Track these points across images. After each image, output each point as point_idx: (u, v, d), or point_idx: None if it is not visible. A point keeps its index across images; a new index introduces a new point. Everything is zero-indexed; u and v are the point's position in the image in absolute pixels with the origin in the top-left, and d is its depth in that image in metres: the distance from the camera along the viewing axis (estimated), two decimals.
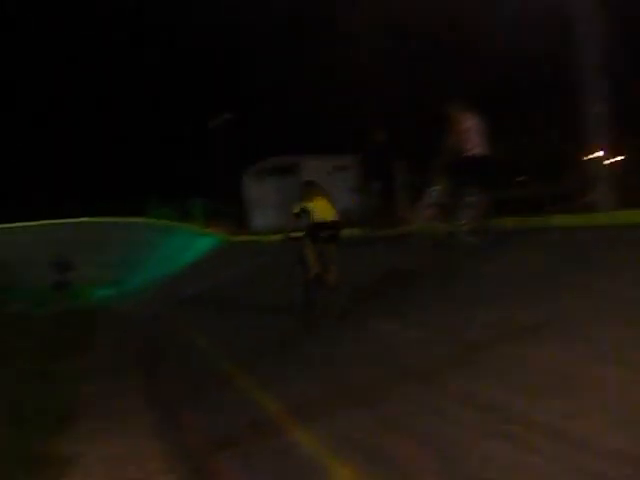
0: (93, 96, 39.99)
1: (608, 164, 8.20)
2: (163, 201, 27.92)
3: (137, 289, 19.51)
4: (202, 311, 10.31)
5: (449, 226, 7.86)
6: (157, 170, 31.08)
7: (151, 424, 4.33)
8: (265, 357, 5.77)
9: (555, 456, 2.43)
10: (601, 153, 8.08)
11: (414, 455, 2.78)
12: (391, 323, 5.56)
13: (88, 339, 9.21)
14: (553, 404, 2.87)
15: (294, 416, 3.72)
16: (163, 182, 29.32)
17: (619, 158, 9.39)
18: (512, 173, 12.15)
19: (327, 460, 2.96)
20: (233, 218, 23.92)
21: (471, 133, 7.30)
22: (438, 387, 3.61)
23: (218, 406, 4.44)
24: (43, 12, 38.04)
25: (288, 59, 22.75)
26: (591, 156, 8.33)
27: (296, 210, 6.59)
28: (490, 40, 12.95)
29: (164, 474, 3.29)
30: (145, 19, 34.61)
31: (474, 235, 7.31)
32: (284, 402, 4.05)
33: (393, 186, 10.58)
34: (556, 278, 5.24)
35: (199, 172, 27.78)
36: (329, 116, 19.43)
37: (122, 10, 34.98)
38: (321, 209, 6.48)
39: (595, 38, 7.79)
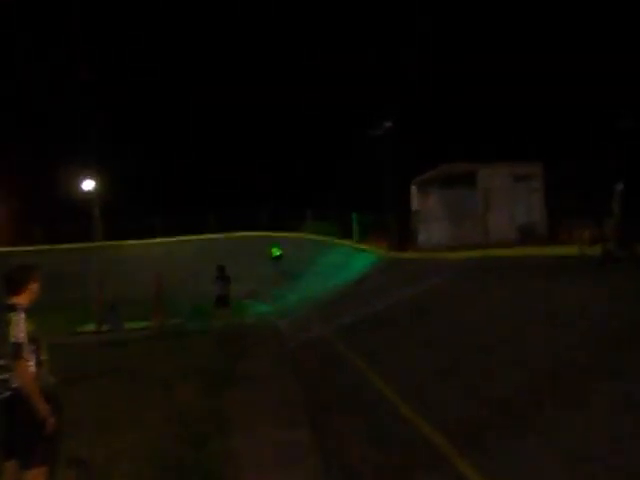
0: (249, 110, 41.52)
1: None
2: (320, 215, 27.52)
3: (293, 307, 18.81)
4: (369, 343, 8.87)
5: None
6: (315, 183, 30.94)
7: None
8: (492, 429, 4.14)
9: None
10: None
11: None
12: None
13: (254, 366, 8.26)
14: None
15: None
16: (321, 196, 29.02)
17: None
18: None
19: None
20: (396, 233, 22.40)
21: None
22: None
23: None
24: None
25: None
26: None
27: None
28: None
29: None
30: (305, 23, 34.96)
31: None
32: None
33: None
34: None
35: (359, 184, 26.86)
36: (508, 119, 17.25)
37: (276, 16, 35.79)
38: None
39: None
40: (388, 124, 23.21)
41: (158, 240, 29.93)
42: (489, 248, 14.37)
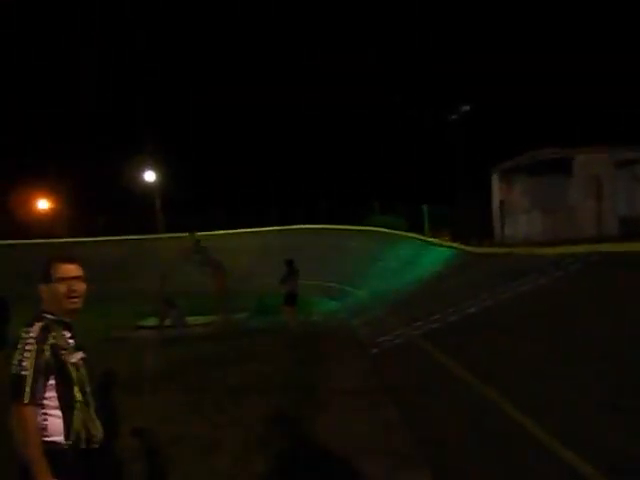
0: (310, 99, 40.45)
1: None
2: (388, 208, 26.24)
3: (363, 305, 17.62)
4: (474, 352, 7.57)
5: None
6: (382, 174, 29.59)
7: None
8: None
9: None
10: None
11: None
12: None
13: (337, 378, 7.17)
14: None
15: None
16: (388, 187, 27.68)
17: None
18: None
19: None
20: (474, 226, 20.77)
21: None
22: None
23: None
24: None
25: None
26: None
27: None
28: None
29: None
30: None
31: None
32: None
33: None
34: None
35: (430, 174, 25.33)
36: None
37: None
38: None
39: None
40: (465, 108, 21.55)
41: (219, 233, 29.38)
42: (591, 243, 12.68)
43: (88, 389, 2.43)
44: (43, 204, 36.49)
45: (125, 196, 33.07)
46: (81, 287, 2.49)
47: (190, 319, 15.69)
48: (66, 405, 2.32)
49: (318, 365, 8.65)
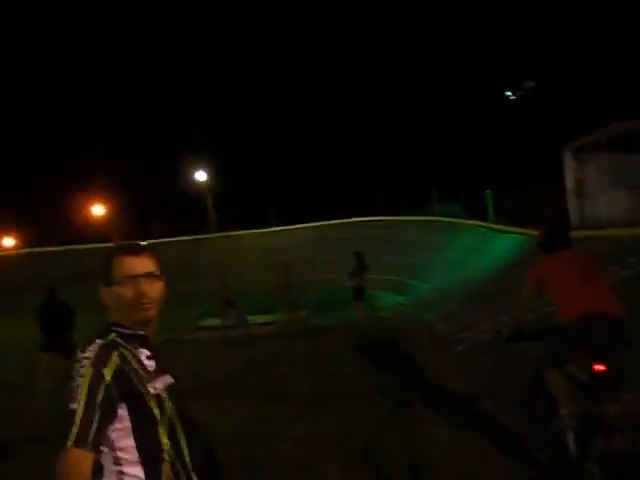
0: (358, 84, 39.42)
1: None
2: (448, 195, 25.07)
3: (431, 299, 16.67)
4: None
5: None
6: (440, 160, 28.40)
7: None
8: None
9: None
10: None
11: None
12: None
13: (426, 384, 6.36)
14: None
15: None
16: (448, 173, 26.48)
17: None
18: None
19: None
20: (549, 210, 19.33)
21: None
22: None
23: None
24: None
25: None
26: None
27: None
28: None
29: None
30: None
31: None
32: None
33: None
34: None
35: (493, 157, 24.01)
36: None
37: None
38: None
39: None
40: (530, 84, 20.18)
41: (273, 229, 28.93)
42: None
43: (180, 431, 1.68)
44: (98, 209, 36.91)
45: (177, 197, 33.08)
46: (155, 288, 1.75)
47: (251, 318, 15.19)
48: (148, 457, 1.59)
49: (399, 367, 7.86)
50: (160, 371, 1.70)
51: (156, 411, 1.61)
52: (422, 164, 28.81)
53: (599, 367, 3.48)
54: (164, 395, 1.66)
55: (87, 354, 1.58)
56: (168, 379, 1.71)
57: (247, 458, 4.69)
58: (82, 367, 1.55)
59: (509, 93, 22.08)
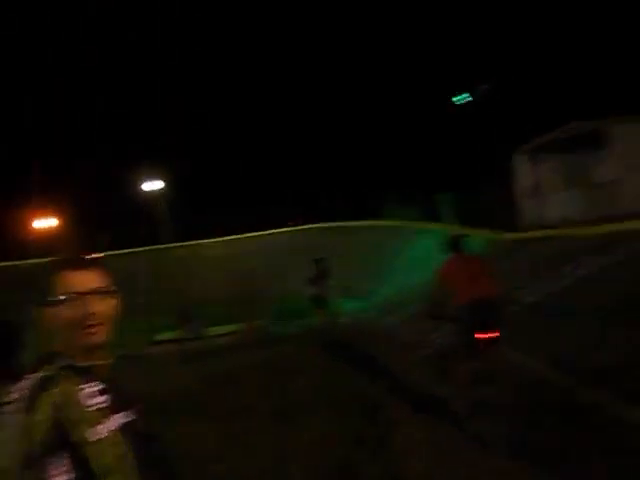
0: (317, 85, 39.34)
1: None
2: (404, 199, 25.16)
3: (394, 303, 16.57)
4: (564, 349, 6.50)
5: None
6: (395, 163, 28.49)
7: None
8: None
9: None
10: None
11: None
12: None
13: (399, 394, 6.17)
14: None
15: None
16: (403, 177, 26.58)
17: None
18: None
19: None
20: (500, 212, 19.60)
21: None
22: None
23: None
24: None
25: None
26: None
27: None
28: None
29: None
30: None
31: None
32: None
33: None
34: None
35: (447, 160, 24.21)
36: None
37: None
38: None
39: None
40: (485, 86, 20.46)
41: (233, 238, 28.38)
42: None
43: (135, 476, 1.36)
44: (46, 222, 35.47)
45: (131, 207, 32.14)
46: (105, 306, 1.44)
47: (211, 329, 14.75)
48: None
49: (363, 374, 7.66)
50: (114, 408, 1.38)
51: (94, 465, 1.26)
52: (380, 169, 28.87)
53: (482, 335, 4.98)
54: (116, 439, 1.34)
55: (15, 395, 1.26)
56: (122, 417, 1.39)
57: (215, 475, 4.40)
58: (8, 414, 1.23)
59: (461, 97, 22.35)
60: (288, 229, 27.43)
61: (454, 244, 5.70)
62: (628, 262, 8.85)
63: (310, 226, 26.96)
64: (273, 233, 27.82)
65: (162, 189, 32.42)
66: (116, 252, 28.37)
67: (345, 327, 13.05)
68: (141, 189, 32.50)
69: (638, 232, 10.27)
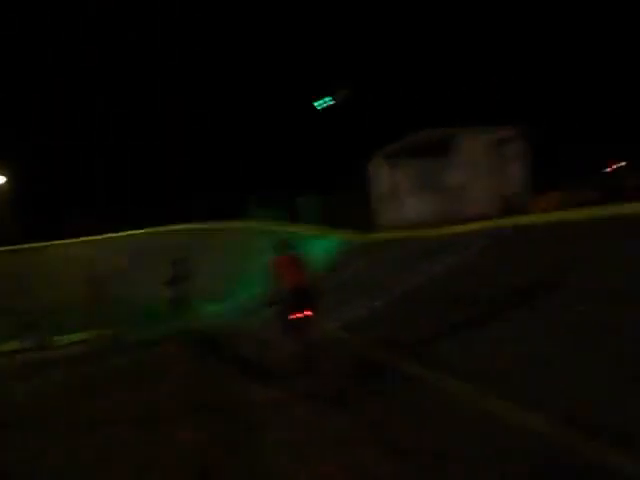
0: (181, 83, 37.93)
1: None
2: (266, 201, 25.14)
3: (252, 305, 16.40)
4: (430, 347, 6.77)
5: None
6: (257, 165, 28.34)
7: None
8: None
9: None
10: None
11: None
12: None
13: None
14: None
15: None
16: (265, 179, 26.52)
17: None
18: None
19: None
20: (358, 214, 20.28)
21: None
22: None
23: None
24: None
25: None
26: None
27: None
28: None
29: None
30: None
31: None
32: None
33: None
34: None
35: (308, 163, 24.58)
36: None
37: None
38: None
39: None
40: (343, 91, 21.05)
41: (85, 239, 26.33)
42: (480, 221, 12.59)
43: None
44: None
45: None
46: None
47: (60, 338, 13.53)
48: None
49: (222, 376, 7.42)
50: None
51: None
52: (242, 171, 28.58)
53: (300, 314, 6.55)
54: None
55: None
56: None
57: None
58: None
59: (322, 101, 22.82)
60: (149, 230, 26.17)
61: (282, 246, 7.13)
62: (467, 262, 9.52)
63: (172, 227, 25.96)
64: (134, 234, 26.39)
65: (5, 184, 29.29)
66: None
67: (204, 329, 12.65)
68: None
69: (476, 232, 11.13)
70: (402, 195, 17.96)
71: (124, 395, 6.89)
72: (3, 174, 29.26)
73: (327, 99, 22.01)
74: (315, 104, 23.13)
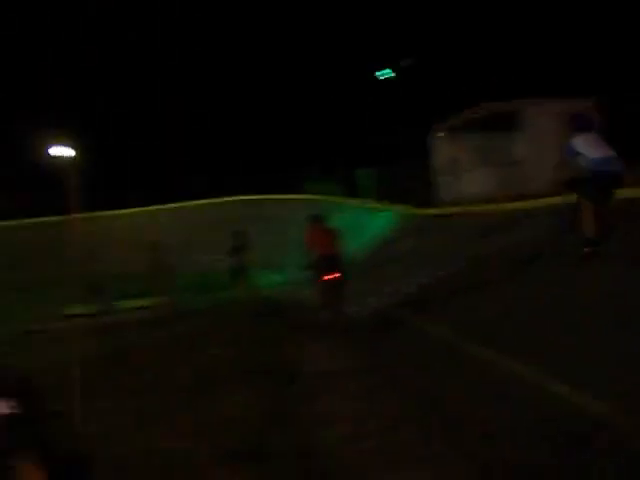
0: (235, 55, 38.07)
1: None
2: (325, 173, 25.08)
3: (302, 275, 16.61)
4: (486, 321, 6.62)
5: None
6: (317, 137, 28.24)
7: None
8: None
9: None
10: None
11: None
12: None
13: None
14: None
15: None
16: (324, 150, 26.43)
17: None
18: None
19: None
20: (418, 188, 19.91)
21: None
22: None
23: None
24: None
25: None
26: None
27: None
28: None
29: None
30: None
31: None
32: None
33: None
34: None
35: (368, 135, 24.29)
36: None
37: None
38: None
39: None
40: (406, 62, 20.56)
41: (145, 209, 27.13)
42: (546, 197, 12.11)
43: None
44: None
45: (36, 174, 29.93)
46: None
47: (124, 303, 14.11)
48: None
49: (282, 346, 7.59)
50: None
51: None
52: (301, 144, 28.59)
53: (330, 276, 8.09)
54: None
55: None
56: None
57: (121, 458, 4.12)
58: None
59: (384, 72, 22.45)
60: (207, 201, 26.69)
61: (315, 219, 8.70)
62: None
63: (230, 199, 26.38)
64: (192, 205, 27.00)
65: (74, 157, 30.42)
66: (17, 222, 26.45)
67: (264, 300, 12.90)
68: (48, 154, 30.38)
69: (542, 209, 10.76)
70: (464, 169, 17.52)
71: (174, 360, 7.22)
72: (69, 145, 30.27)
73: (388, 71, 21.58)
74: (377, 74, 22.78)
